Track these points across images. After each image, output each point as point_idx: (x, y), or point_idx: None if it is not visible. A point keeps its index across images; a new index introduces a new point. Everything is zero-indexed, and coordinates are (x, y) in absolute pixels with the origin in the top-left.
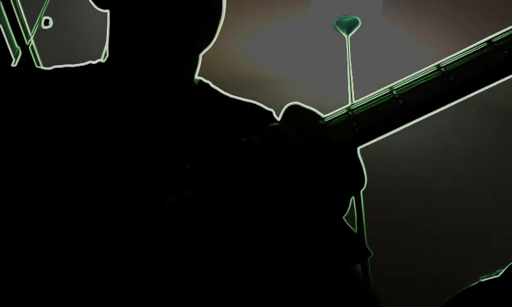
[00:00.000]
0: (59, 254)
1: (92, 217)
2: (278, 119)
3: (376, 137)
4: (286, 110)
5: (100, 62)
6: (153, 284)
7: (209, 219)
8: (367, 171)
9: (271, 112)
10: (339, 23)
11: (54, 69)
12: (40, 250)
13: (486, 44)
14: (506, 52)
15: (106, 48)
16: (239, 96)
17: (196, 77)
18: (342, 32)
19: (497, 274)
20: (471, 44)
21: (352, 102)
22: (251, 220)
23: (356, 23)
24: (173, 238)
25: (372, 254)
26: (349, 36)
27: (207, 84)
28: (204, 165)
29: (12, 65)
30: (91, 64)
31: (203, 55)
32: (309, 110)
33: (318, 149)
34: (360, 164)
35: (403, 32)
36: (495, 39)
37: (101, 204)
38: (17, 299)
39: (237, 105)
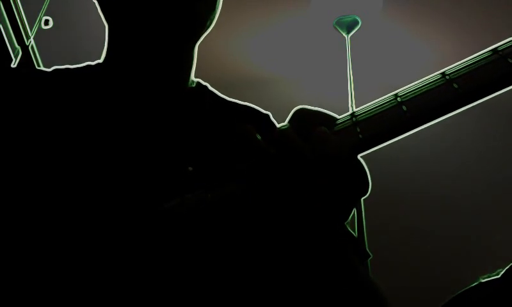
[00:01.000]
0: (60, 256)
1: (92, 220)
2: (276, 122)
3: (380, 144)
4: (294, 114)
5: (98, 63)
6: (154, 288)
7: (211, 222)
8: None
9: (268, 115)
10: (339, 23)
11: (54, 70)
12: (39, 252)
13: (491, 52)
14: (511, 61)
15: (105, 48)
16: (237, 97)
17: (194, 78)
18: (342, 32)
19: (497, 274)
20: (471, 42)
21: (352, 102)
22: (252, 223)
23: (356, 23)
24: (174, 242)
25: (372, 256)
26: (349, 36)
27: (205, 86)
28: (205, 167)
29: (12, 65)
30: (89, 65)
31: (200, 55)
32: (319, 113)
33: (323, 159)
34: (364, 170)
35: (403, 32)
36: (500, 48)
37: (101, 207)
38: (16, 300)
39: (235, 108)
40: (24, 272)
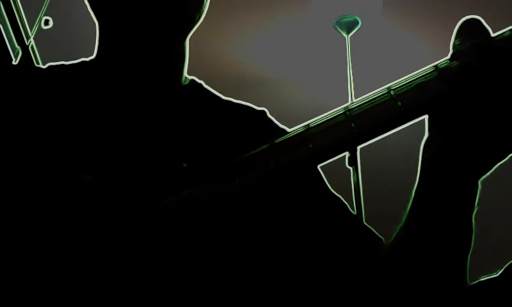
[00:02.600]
0: (56, 253)
1: (88, 216)
2: (273, 118)
3: (374, 137)
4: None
5: (92, 59)
6: (151, 285)
7: (208, 219)
8: (366, 170)
9: (263, 112)
10: (339, 23)
11: (48, 67)
12: (36, 250)
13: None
14: None
15: (96, 44)
16: (237, 97)
17: (187, 75)
18: (342, 32)
19: (497, 274)
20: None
21: (352, 102)
22: (249, 219)
23: (356, 23)
24: (170, 239)
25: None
26: (349, 36)
27: (200, 84)
28: (201, 164)
29: (12, 65)
30: (84, 61)
31: (201, 56)
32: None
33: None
34: None
35: (403, 32)
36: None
37: (96, 204)
38: (16, 300)
39: (230, 106)
40: (23, 271)
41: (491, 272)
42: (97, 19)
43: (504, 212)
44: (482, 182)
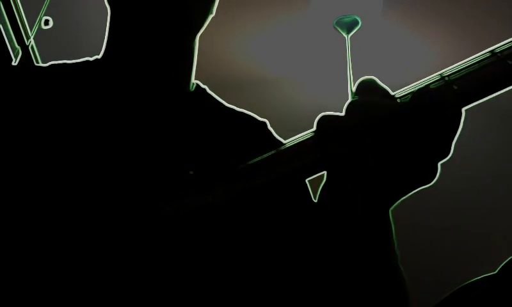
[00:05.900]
0: (59, 257)
1: (91, 221)
2: (272, 130)
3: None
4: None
5: (97, 59)
6: (154, 290)
7: (212, 225)
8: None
9: (264, 123)
10: (339, 23)
11: (50, 65)
12: (36, 251)
13: (489, 54)
14: (510, 62)
15: (104, 43)
16: (238, 96)
17: (193, 80)
18: (342, 32)
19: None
20: (471, 42)
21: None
22: (253, 226)
23: (356, 23)
24: (175, 245)
25: None
26: (349, 36)
27: (204, 89)
28: (205, 170)
29: (12, 65)
30: (88, 60)
31: (201, 56)
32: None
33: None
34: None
35: (403, 32)
36: (497, 50)
37: (100, 209)
38: (16, 300)
39: (232, 114)
40: (22, 272)
41: (490, 272)
42: (111, 9)
43: (502, 211)
44: (487, 184)
